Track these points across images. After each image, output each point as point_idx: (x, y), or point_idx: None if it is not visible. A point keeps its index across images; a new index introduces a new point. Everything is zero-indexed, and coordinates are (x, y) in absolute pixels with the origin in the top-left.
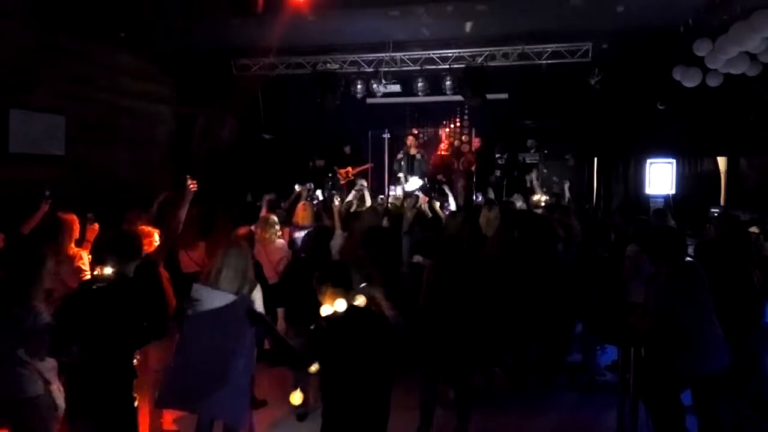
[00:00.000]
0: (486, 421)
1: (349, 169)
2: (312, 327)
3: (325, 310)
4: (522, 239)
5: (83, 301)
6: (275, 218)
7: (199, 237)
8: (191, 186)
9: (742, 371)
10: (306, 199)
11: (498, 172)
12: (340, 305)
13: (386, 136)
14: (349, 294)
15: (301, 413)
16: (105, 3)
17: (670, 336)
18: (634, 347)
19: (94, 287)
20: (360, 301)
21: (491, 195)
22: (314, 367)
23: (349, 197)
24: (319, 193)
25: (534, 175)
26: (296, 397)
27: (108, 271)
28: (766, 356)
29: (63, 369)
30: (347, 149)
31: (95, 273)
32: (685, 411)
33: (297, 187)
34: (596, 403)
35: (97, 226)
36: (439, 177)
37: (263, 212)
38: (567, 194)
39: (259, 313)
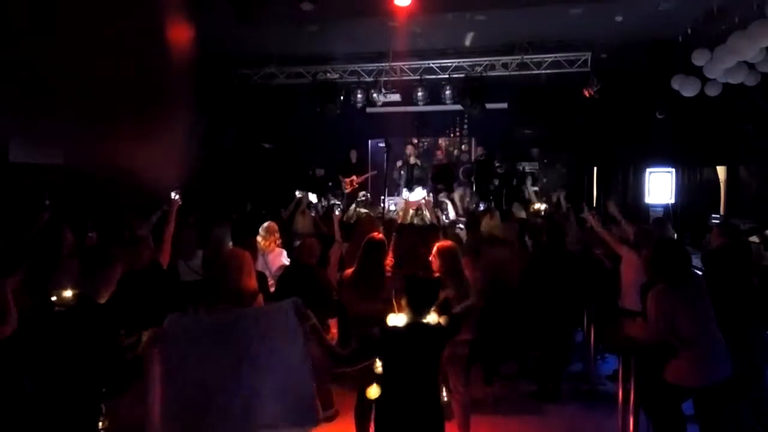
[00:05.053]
0: (486, 430)
1: (354, 177)
2: (374, 330)
3: (392, 319)
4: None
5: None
6: (275, 226)
7: (198, 246)
8: (176, 200)
9: (745, 380)
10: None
11: (496, 182)
12: (399, 320)
13: (381, 144)
14: (420, 313)
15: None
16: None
17: (671, 346)
18: (635, 357)
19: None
20: (431, 318)
21: (493, 203)
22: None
23: (349, 209)
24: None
25: (528, 184)
26: (374, 391)
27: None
28: None
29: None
30: (353, 157)
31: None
32: (686, 420)
33: (298, 193)
34: (597, 413)
35: (95, 235)
36: (439, 186)
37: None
38: (564, 203)
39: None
